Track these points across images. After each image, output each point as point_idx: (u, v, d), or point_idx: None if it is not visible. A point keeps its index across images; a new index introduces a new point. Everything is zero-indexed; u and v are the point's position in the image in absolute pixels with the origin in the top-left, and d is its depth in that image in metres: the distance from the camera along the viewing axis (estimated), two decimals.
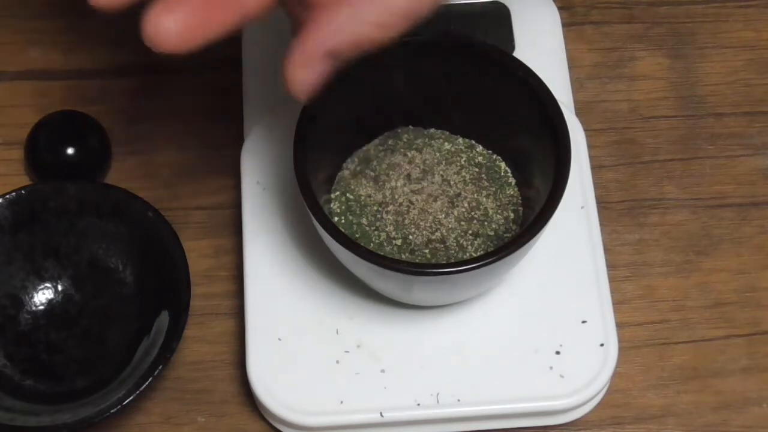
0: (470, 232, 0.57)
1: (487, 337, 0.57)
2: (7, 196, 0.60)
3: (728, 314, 0.61)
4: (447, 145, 0.59)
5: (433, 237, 0.57)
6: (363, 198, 0.58)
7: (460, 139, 0.60)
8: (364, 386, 0.56)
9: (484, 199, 0.58)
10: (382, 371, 0.57)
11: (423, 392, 0.56)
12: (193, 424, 0.59)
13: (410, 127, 0.60)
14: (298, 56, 0.47)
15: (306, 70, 0.47)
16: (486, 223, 0.57)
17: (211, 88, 0.66)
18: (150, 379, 0.55)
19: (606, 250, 0.60)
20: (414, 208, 0.57)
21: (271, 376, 0.56)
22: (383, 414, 0.56)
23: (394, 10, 0.47)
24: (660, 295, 0.61)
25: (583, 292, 0.58)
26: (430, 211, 0.57)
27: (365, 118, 0.58)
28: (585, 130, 0.62)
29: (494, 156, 0.59)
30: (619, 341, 0.57)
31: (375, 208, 0.58)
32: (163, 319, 0.58)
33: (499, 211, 0.58)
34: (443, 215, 0.57)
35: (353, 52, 0.47)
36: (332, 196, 0.58)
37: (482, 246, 0.57)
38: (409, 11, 0.47)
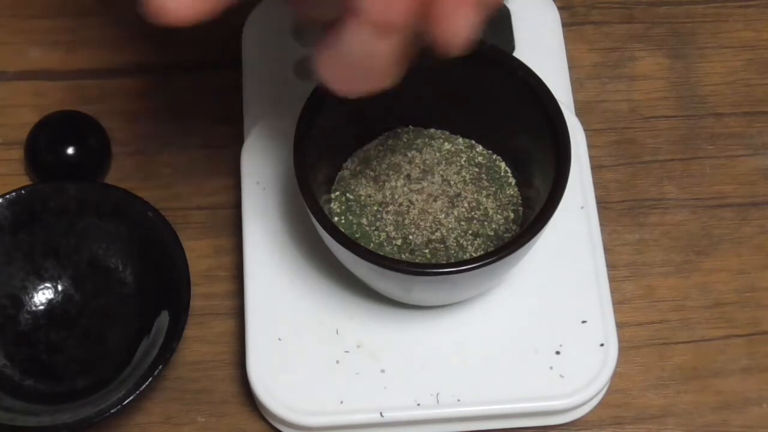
0: (470, 232, 0.57)
1: (487, 337, 0.57)
2: (7, 196, 0.60)
3: (728, 314, 0.61)
4: (447, 145, 0.59)
5: (433, 237, 0.57)
6: (363, 198, 0.58)
7: (460, 139, 0.60)
8: (364, 386, 0.56)
9: (484, 199, 0.58)
10: (382, 371, 0.57)
11: (423, 392, 0.56)
12: (193, 424, 0.59)
13: (410, 127, 0.60)
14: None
15: (461, 18, 0.40)
16: (486, 223, 0.57)
17: (211, 88, 0.66)
18: (150, 379, 0.55)
19: (606, 250, 0.60)
20: (414, 208, 0.57)
21: (271, 376, 0.56)
22: (383, 414, 0.56)
23: None
24: (660, 295, 0.61)
25: (583, 292, 0.58)
26: (430, 211, 0.57)
27: (365, 118, 0.58)
28: (585, 130, 0.62)
29: (494, 156, 0.59)
30: (619, 341, 0.57)
31: (375, 208, 0.58)
32: (163, 319, 0.57)
33: (499, 211, 0.58)
34: (443, 215, 0.57)
35: (494, 6, 0.42)
36: (332, 196, 0.58)
37: (482, 246, 0.57)
38: None
